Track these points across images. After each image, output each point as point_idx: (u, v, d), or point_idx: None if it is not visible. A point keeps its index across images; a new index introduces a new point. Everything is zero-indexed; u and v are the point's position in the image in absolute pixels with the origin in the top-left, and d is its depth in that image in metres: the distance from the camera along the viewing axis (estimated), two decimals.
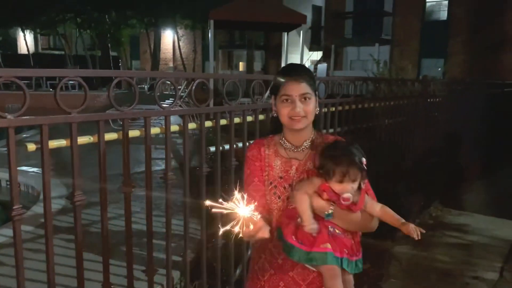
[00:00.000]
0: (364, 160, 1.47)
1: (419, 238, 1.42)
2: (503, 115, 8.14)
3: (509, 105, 8.74)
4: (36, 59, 24.28)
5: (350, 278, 1.54)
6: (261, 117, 2.50)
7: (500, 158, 7.82)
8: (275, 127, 1.62)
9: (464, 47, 17.53)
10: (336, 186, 1.44)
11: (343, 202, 1.44)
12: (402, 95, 4.39)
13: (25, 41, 26.40)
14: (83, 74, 1.64)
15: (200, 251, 2.34)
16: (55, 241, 3.33)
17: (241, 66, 29.40)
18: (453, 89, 5.65)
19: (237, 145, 2.46)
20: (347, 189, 1.43)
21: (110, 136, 1.80)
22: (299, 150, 1.57)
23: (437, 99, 5.18)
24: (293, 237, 1.44)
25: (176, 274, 2.84)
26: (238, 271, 2.73)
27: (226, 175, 2.44)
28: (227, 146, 2.39)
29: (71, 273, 1.91)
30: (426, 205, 5.20)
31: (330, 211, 1.44)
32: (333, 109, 3.30)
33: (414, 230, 1.43)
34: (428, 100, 4.92)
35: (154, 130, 1.96)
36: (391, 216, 1.50)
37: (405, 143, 4.51)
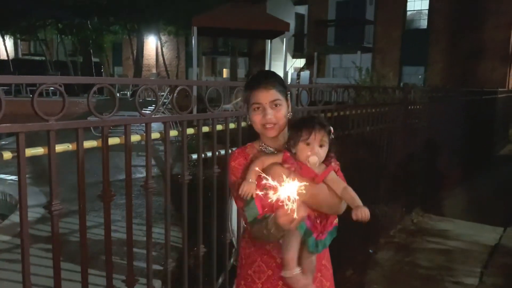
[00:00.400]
0: (331, 129, 1.48)
1: (364, 220, 1.42)
2: (482, 122, 8.32)
3: (487, 112, 8.95)
4: (16, 64, 23.84)
5: (311, 257, 1.50)
6: (243, 124, 2.50)
7: (479, 164, 7.98)
8: (252, 133, 1.62)
9: (443, 55, 17.88)
10: (303, 152, 1.43)
11: (310, 166, 1.43)
12: (383, 103, 4.45)
13: (5, 46, 25.93)
14: (61, 81, 1.61)
15: (182, 260, 2.32)
16: (33, 251, 3.27)
17: (225, 72, 29.43)
18: (432, 97, 5.74)
19: (219, 152, 2.45)
20: (314, 152, 1.43)
21: (89, 143, 1.77)
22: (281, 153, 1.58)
23: (417, 107, 5.25)
24: (259, 200, 1.45)
25: (158, 284, 2.80)
26: (220, 279, 2.71)
27: (209, 183, 2.43)
28: (209, 153, 2.38)
29: (50, 284, 1.87)
30: (408, 211, 5.26)
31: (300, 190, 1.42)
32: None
33: (361, 214, 1.41)
34: (409, 107, 4.99)
35: (135, 138, 1.94)
36: (350, 197, 1.47)
37: (386, 150, 4.56)
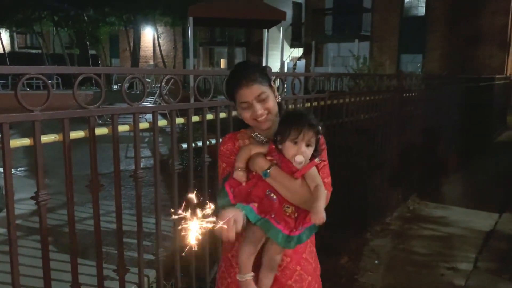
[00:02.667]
0: (320, 129, 1.48)
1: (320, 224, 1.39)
2: (479, 109, 8.31)
3: (485, 99, 8.93)
4: (13, 58, 23.72)
5: (277, 251, 1.48)
6: (234, 113, 2.49)
7: (476, 150, 7.99)
8: (242, 124, 1.61)
9: (441, 42, 17.79)
10: (290, 150, 1.43)
11: (296, 165, 1.43)
12: (378, 90, 4.44)
13: (1, 39, 25.77)
14: (45, 71, 1.60)
15: (175, 249, 2.33)
16: (28, 243, 3.29)
17: (222, 63, 29.29)
18: (428, 84, 5.72)
19: (210, 142, 2.45)
20: (300, 152, 1.42)
21: (76, 134, 1.76)
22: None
23: (413, 94, 5.24)
24: (231, 189, 1.46)
25: (152, 273, 2.82)
26: (215, 269, 2.72)
27: (200, 172, 2.43)
28: (200, 143, 2.38)
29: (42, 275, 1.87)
30: (404, 199, 5.27)
31: (268, 170, 1.43)
32: (308, 104, 3.31)
33: (314, 220, 1.38)
34: (404, 95, 4.97)
35: (123, 128, 1.93)
36: (316, 197, 1.42)
37: (382, 137, 4.56)
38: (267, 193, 1.45)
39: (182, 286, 2.44)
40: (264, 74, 1.56)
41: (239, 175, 1.46)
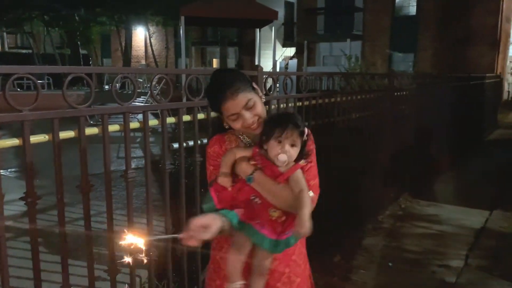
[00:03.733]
0: (306, 130, 1.46)
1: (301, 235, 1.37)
2: (470, 107, 8.37)
3: (476, 97, 9.01)
4: (3, 58, 23.50)
5: (265, 256, 1.47)
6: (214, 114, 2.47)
7: (468, 149, 8.05)
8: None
9: (432, 41, 17.90)
10: (274, 149, 1.42)
11: (278, 164, 1.42)
12: (369, 89, 4.45)
13: None
14: (34, 71, 1.59)
15: (167, 249, 2.32)
16: (18, 244, 3.25)
17: (215, 63, 29.23)
18: (419, 83, 5.76)
19: (202, 141, 2.44)
20: (283, 151, 1.41)
21: (66, 134, 1.75)
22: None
23: (404, 93, 5.27)
24: (217, 193, 1.45)
25: (144, 273, 2.80)
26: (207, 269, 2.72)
27: (192, 172, 2.42)
28: (191, 143, 2.37)
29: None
30: (396, 197, 5.30)
31: (251, 175, 1.43)
32: (300, 104, 3.32)
33: (299, 228, 1.35)
34: (395, 94, 5.00)
35: (113, 127, 1.92)
36: (300, 203, 1.38)
37: (374, 136, 4.58)
38: (252, 198, 1.44)
39: (174, 286, 2.44)
40: (244, 78, 1.52)
41: (223, 180, 1.45)
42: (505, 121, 13.15)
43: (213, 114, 2.36)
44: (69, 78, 1.69)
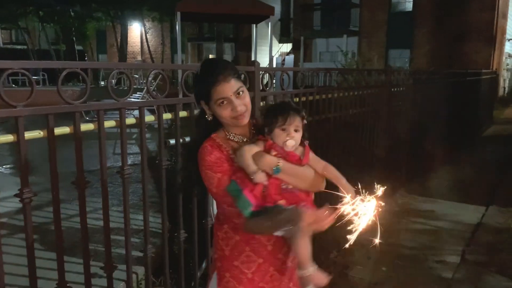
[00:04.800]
0: (304, 114, 1.52)
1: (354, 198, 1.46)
2: (466, 103, 8.39)
3: (472, 93, 9.02)
4: None
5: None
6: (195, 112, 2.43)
7: (464, 144, 8.08)
8: (209, 128, 1.54)
9: (428, 37, 17.92)
10: (280, 137, 1.46)
11: (288, 149, 1.47)
12: (366, 85, 4.45)
13: None
14: (28, 66, 1.57)
15: (163, 246, 2.31)
16: (13, 241, 3.23)
17: None
18: (416, 79, 5.76)
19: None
20: (291, 136, 1.46)
21: (61, 130, 1.73)
22: (248, 139, 1.56)
23: (401, 89, 5.27)
24: (251, 193, 1.42)
25: (141, 270, 2.80)
26: (204, 265, 2.71)
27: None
28: (188, 139, 2.35)
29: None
30: (392, 193, 5.30)
31: (278, 165, 1.43)
32: (297, 99, 3.30)
33: (351, 190, 1.50)
34: (392, 89, 5.00)
35: (109, 123, 1.90)
36: (335, 176, 1.56)
37: (370, 132, 4.58)
38: (284, 186, 1.46)
39: (171, 283, 2.43)
40: (235, 69, 1.51)
41: (261, 177, 1.42)
42: (501, 117, 13.21)
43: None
44: (64, 73, 1.67)
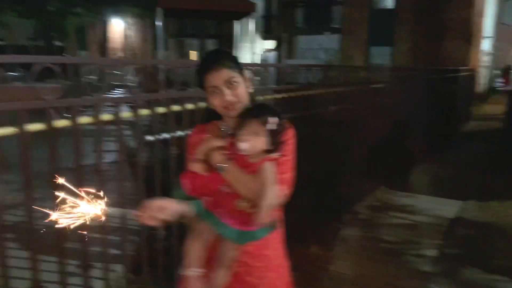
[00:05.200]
0: (274, 119, 1.44)
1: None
2: (445, 100, 8.52)
3: (450, 90, 9.17)
4: None
5: (229, 247, 1.47)
6: (202, 105, 2.45)
7: (442, 141, 8.21)
8: (212, 116, 1.59)
9: (409, 35, 18.09)
10: (240, 140, 1.44)
11: (241, 153, 1.44)
12: (347, 82, 4.47)
13: None
14: (1, 60, 1.53)
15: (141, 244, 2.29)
16: None
17: (193, 55, 28.94)
18: (396, 76, 5.82)
19: (178, 134, 2.41)
20: (242, 140, 1.43)
21: (34, 127, 1.70)
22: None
23: (381, 86, 5.32)
24: (188, 181, 1.46)
25: (119, 268, 2.77)
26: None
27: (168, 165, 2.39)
28: (168, 135, 2.34)
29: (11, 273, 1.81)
30: (373, 188, 5.36)
31: (222, 164, 1.44)
32: (278, 96, 3.31)
33: (257, 219, 1.40)
34: (372, 87, 5.04)
35: (84, 120, 1.87)
36: (260, 197, 1.39)
37: (351, 129, 4.61)
38: (221, 187, 1.45)
39: (150, 280, 2.41)
40: (236, 61, 1.54)
41: (194, 166, 1.46)
42: (478, 113, 13.44)
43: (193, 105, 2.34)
44: (40, 68, 1.64)
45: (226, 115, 1.54)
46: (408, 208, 4.98)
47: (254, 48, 11.39)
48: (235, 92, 1.49)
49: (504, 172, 6.33)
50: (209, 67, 1.48)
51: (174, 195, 1.45)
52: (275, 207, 1.46)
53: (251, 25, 11.26)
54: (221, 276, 1.48)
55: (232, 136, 1.48)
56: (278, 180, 1.45)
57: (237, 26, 12.43)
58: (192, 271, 1.45)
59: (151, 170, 2.17)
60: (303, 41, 23.71)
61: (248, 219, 1.43)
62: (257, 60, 17.38)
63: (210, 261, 1.49)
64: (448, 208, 4.94)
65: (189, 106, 2.43)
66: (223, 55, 1.54)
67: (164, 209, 1.37)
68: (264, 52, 24.64)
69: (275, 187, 1.42)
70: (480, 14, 17.44)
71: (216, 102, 1.50)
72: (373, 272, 3.50)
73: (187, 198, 1.44)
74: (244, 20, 12.72)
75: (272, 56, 18.45)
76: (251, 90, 1.56)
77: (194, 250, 1.46)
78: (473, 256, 3.78)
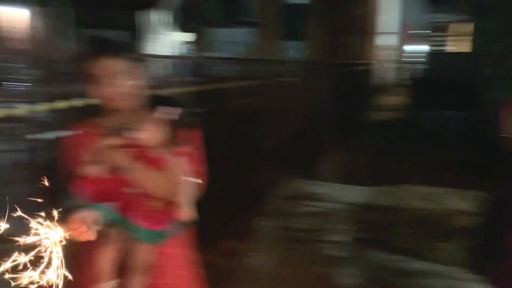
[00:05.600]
0: (172, 109, 1.39)
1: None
2: (348, 93, 8.98)
3: (352, 83, 9.74)
4: None
5: (143, 250, 1.40)
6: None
7: (350, 131, 8.64)
8: (99, 111, 1.48)
9: (321, 30, 18.76)
10: (138, 129, 1.36)
11: (137, 142, 1.36)
12: (254, 76, 4.50)
13: None
14: None
15: None
16: None
17: None
18: (304, 70, 5.99)
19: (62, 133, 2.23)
20: (145, 130, 1.36)
21: None
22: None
23: (292, 79, 5.44)
24: (83, 187, 1.34)
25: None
26: None
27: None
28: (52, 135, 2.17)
29: None
30: (285, 179, 5.46)
31: (125, 164, 1.35)
32: (191, 89, 3.23)
33: (181, 215, 1.38)
34: (283, 80, 5.13)
35: None
36: (176, 194, 1.37)
37: (263, 121, 4.66)
38: (126, 188, 1.35)
39: None
40: (127, 51, 1.48)
41: (92, 170, 1.34)
42: (379, 104, 14.36)
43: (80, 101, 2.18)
44: None
45: (110, 107, 1.44)
46: (319, 196, 5.15)
47: (170, 40, 11.14)
48: (122, 83, 1.40)
49: (407, 158, 6.80)
50: (96, 57, 1.41)
51: (67, 205, 1.28)
52: (192, 202, 1.40)
53: (168, 16, 10.96)
54: (138, 283, 1.39)
55: (122, 131, 1.38)
56: (190, 174, 1.41)
57: (154, 17, 12.03)
58: (110, 284, 1.34)
59: (41, 173, 1.99)
60: (220, 34, 23.64)
61: (162, 218, 1.37)
62: (173, 52, 16.97)
63: (125, 269, 1.39)
64: (357, 194, 5.18)
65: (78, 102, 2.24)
66: (112, 45, 1.51)
67: (88, 219, 1.23)
68: (179, 44, 24.22)
69: (188, 182, 1.37)
70: (374, 11, 18.80)
71: (100, 93, 1.41)
72: (287, 260, 3.57)
73: (82, 206, 1.29)
74: (162, 11, 12.35)
75: (187, 49, 18.18)
76: (143, 82, 1.47)
77: (109, 259, 1.34)
78: (381, 239, 4.00)
